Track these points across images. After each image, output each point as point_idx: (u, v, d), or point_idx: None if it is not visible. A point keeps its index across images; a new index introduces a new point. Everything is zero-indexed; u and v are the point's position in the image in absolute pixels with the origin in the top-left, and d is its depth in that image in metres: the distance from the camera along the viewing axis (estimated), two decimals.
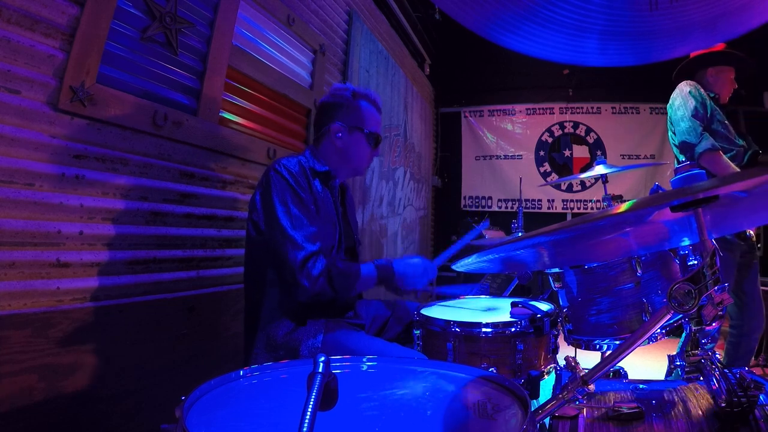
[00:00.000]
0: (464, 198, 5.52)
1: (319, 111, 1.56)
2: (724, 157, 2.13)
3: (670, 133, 2.37)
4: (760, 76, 2.51)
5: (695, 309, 0.69)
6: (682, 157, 2.24)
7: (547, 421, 0.94)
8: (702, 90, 2.26)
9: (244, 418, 0.68)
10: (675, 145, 2.31)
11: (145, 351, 1.53)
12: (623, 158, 5.03)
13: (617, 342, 1.28)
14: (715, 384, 0.93)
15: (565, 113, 5.26)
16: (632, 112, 5.08)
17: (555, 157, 5.24)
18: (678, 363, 1.18)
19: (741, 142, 2.22)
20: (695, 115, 2.17)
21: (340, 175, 1.54)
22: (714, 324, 0.71)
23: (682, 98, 2.25)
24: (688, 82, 2.30)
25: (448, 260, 1.57)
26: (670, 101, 2.33)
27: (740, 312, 2.27)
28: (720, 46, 2.35)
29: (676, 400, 0.98)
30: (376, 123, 1.54)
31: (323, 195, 1.44)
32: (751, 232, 2.10)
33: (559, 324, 1.38)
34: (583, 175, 2.52)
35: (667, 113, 2.39)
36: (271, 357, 1.30)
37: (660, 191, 1.08)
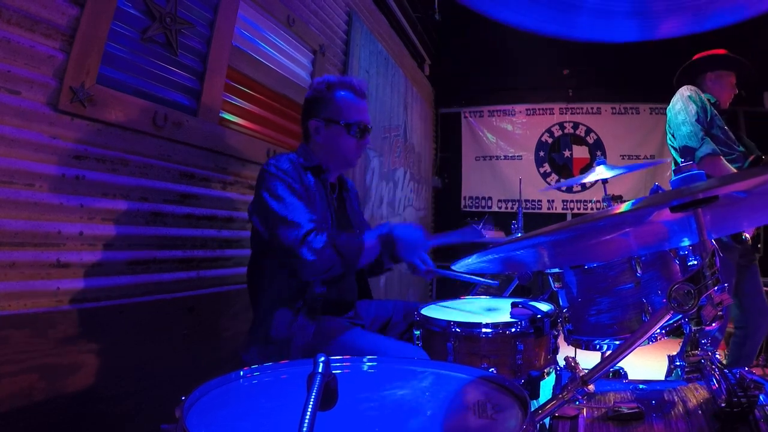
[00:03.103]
0: (464, 198, 5.52)
1: (302, 108, 1.54)
2: (725, 161, 2.13)
3: (669, 137, 2.37)
4: (760, 76, 2.50)
5: (695, 309, 0.69)
6: (681, 161, 2.23)
7: (547, 421, 0.94)
8: (702, 95, 2.26)
9: (244, 419, 0.68)
10: (674, 149, 2.32)
11: (145, 351, 1.53)
12: (623, 158, 5.02)
13: (617, 342, 1.28)
14: (715, 384, 0.93)
15: (565, 113, 5.26)
16: (632, 113, 5.07)
17: (555, 157, 5.24)
18: (678, 363, 1.18)
19: (741, 149, 2.23)
20: (697, 120, 2.17)
21: (332, 168, 1.53)
22: (714, 324, 0.71)
23: (683, 102, 2.24)
24: (689, 86, 2.30)
25: (441, 245, 1.52)
26: (670, 105, 2.33)
27: (743, 313, 2.27)
28: (721, 51, 2.35)
29: (676, 400, 0.98)
30: (356, 111, 1.46)
31: (315, 188, 1.44)
32: (747, 235, 2.10)
33: (559, 324, 1.38)
34: (585, 179, 2.52)
35: (666, 114, 2.39)
36: (265, 353, 1.30)
37: (660, 191, 1.08)
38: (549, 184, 5.13)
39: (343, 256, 1.26)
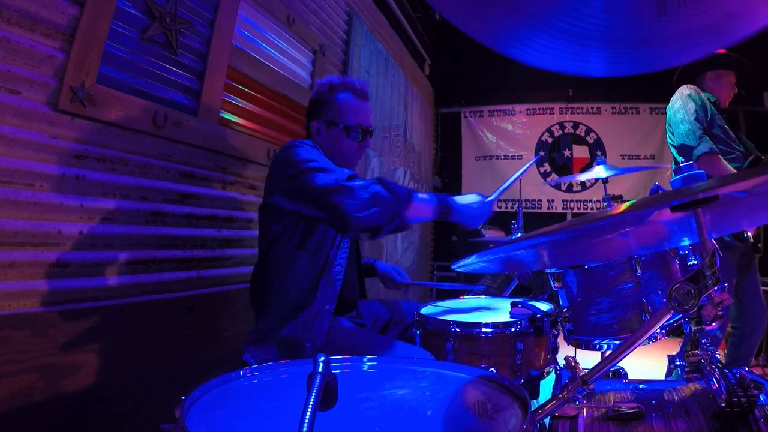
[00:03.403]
0: None
1: (306, 109, 1.55)
2: (723, 160, 2.13)
3: (668, 135, 2.38)
4: (760, 76, 2.51)
5: (695, 309, 0.69)
6: (680, 159, 2.24)
7: (547, 421, 0.94)
8: (702, 94, 2.27)
9: (244, 418, 0.68)
10: (673, 147, 2.32)
11: (145, 351, 1.53)
12: (623, 158, 5.03)
13: (617, 342, 1.28)
14: (715, 384, 0.93)
15: (565, 113, 5.26)
16: (632, 112, 5.07)
17: (555, 157, 5.24)
18: (678, 363, 1.18)
19: (741, 148, 2.23)
20: (696, 118, 2.17)
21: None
22: (714, 324, 0.71)
23: (682, 101, 2.25)
24: (689, 86, 2.30)
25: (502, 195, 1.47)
26: (670, 104, 2.34)
27: (741, 313, 2.27)
28: (720, 50, 2.35)
29: (676, 400, 0.98)
30: (357, 114, 1.46)
31: None
32: (749, 234, 2.10)
33: (559, 324, 1.38)
34: (583, 177, 2.52)
35: (666, 113, 2.39)
36: (276, 345, 1.29)
37: (660, 191, 1.08)
38: (549, 183, 5.12)
39: (392, 191, 1.17)
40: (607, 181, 2.48)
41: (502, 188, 1.46)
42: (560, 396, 0.78)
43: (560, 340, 1.41)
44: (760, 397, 0.86)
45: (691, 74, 2.42)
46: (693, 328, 1.13)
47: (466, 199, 1.34)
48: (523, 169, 1.59)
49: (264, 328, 1.32)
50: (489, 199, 1.39)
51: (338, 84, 1.47)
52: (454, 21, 0.92)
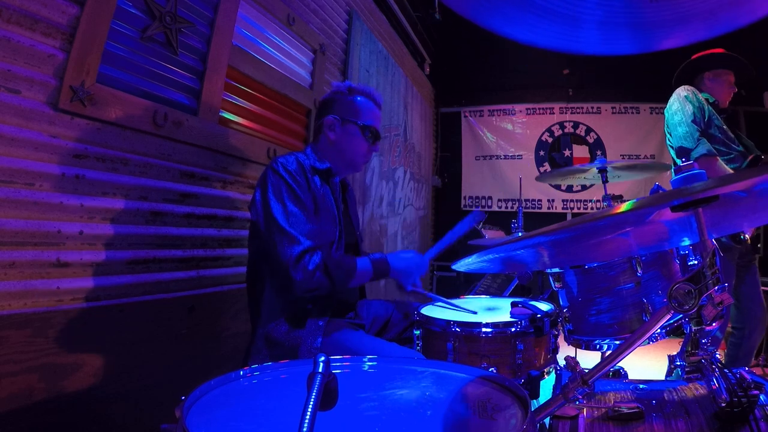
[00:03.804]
0: (464, 198, 5.52)
1: (318, 108, 1.58)
2: (721, 161, 2.13)
3: (667, 137, 2.38)
4: (760, 76, 2.50)
5: (695, 309, 0.69)
6: (679, 161, 2.24)
7: (547, 421, 0.94)
8: (699, 95, 2.26)
9: (244, 418, 0.68)
10: (672, 148, 2.32)
11: (145, 351, 1.53)
12: (623, 158, 5.03)
13: (617, 342, 1.28)
14: (715, 384, 0.93)
15: (565, 113, 5.26)
16: (632, 112, 5.07)
17: (555, 157, 5.24)
18: (678, 363, 1.18)
19: (740, 148, 2.23)
20: (693, 120, 2.17)
21: (339, 171, 1.53)
22: (714, 324, 0.71)
23: (680, 103, 2.25)
24: (686, 87, 2.30)
25: (440, 253, 1.58)
26: (668, 105, 2.34)
27: (740, 314, 2.27)
28: (718, 50, 2.35)
29: (676, 400, 0.98)
30: (373, 117, 1.52)
31: (323, 191, 1.44)
32: (747, 235, 2.10)
33: (560, 324, 1.37)
34: (584, 177, 2.51)
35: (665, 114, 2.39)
36: (271, 354, 1.30)
37: (660, 191, 1.08)
38: (549, 183, 5.11)
39: (332, 280, 1.29)
40: (607, 181, 2.48)
41: (440, 247, 1.61)
42: (560, 396, 0.78)
43: (560, 340, 1.41)
44: (760, 397, 0.86)
45: (689, 74, 2.41)
46: (693, 328, 1.13)
47: (403, 256, 1.46)
48: (461, 227, 1.70)
49: (260, 332, 1.33)
50: (425, 256, 1.54)
51: (357, 88, 1.54)
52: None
